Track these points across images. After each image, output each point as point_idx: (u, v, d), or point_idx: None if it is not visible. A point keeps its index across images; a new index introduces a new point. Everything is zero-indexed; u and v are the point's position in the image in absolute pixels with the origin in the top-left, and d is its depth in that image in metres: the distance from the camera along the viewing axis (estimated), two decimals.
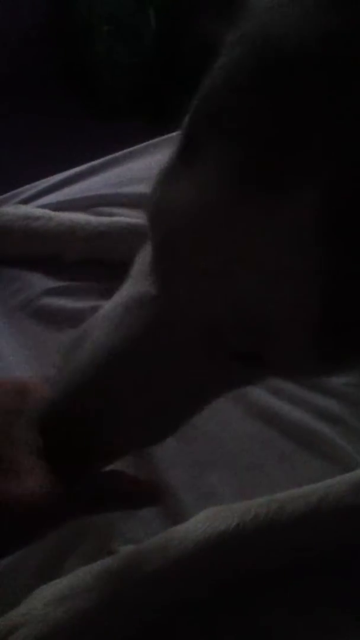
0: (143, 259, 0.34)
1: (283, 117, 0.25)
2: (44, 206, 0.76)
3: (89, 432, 0.34)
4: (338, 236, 0.25)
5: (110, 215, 0.71)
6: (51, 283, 0.66)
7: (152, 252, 0.32)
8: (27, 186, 0.88)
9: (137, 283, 0.34)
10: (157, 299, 0.32)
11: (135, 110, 1.79)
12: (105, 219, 0.69)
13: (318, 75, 0.25)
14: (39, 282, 0.66)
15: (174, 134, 0.33)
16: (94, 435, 0.34)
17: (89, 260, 0.67)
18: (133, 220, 0.68)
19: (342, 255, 0.25)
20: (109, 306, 0.35)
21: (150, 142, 0.86)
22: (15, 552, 0.44)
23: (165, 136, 0.84)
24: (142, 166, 0.80)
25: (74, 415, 0.34)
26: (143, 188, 0.72)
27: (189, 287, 0.29)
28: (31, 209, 0.72)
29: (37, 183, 0.88)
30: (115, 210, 0.72)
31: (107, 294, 0.37)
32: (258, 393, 0.56)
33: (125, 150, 0.87)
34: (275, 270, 0.26)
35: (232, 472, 0.51)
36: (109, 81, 1.91)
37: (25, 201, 0.82)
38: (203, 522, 0.45)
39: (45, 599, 0.42)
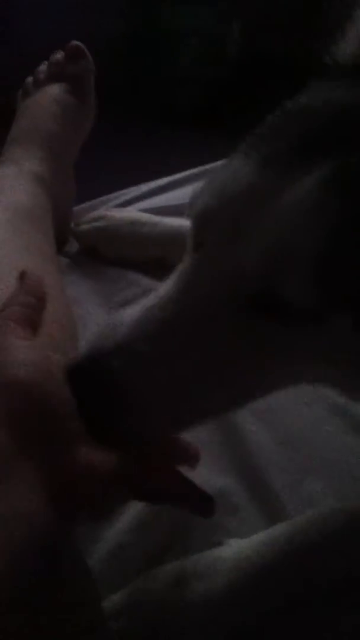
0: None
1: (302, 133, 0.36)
2: (141, 210, 0.79)
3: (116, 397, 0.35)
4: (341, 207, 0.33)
5: None
6: (154, 284, 0.68)
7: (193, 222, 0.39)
8: (121, 191, 0.91)
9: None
10: (192, 263, 0.37)
11: (215, 121, 1.80)
12: None
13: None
14: (143, 281, 0.69)
15: None
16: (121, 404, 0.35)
17: None
18: None
19: (340, 221, 0.33)
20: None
21: None
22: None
23: None
24: None
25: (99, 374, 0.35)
26: None
27: (225, 242, 0.36)
28: (137, 214, 0.75)
29: (126, 190, 0.91)
30: None
31: None
32: (358, 408, 0.57)
33: (218, 162, 0.90)
34: (292, 225, 0.34)
35: (331, 481, 0.53)
36: (192, 92, 1.94)
37: (122, 205, 0.86)
38: (311, 522, 0.46)
39: (157, 583, 0.43)
